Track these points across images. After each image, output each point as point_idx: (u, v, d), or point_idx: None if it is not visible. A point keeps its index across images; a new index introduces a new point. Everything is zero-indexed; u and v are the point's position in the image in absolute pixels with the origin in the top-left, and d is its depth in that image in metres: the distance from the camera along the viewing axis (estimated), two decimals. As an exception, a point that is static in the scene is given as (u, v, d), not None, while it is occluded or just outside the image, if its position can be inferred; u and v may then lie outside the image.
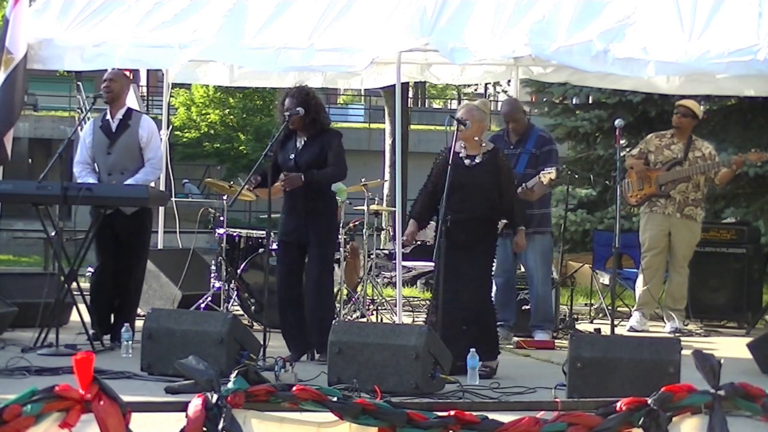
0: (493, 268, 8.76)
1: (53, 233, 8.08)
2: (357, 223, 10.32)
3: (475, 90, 38.32)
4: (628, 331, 9.69)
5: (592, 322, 10.37)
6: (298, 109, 7.80)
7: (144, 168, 8.26)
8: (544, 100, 15.20)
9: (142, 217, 8.26)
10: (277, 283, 8.02)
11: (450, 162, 7.44)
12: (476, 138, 7.60)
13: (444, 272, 7.27)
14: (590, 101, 14.39)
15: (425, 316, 7.76)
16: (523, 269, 9.32)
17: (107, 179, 8.18)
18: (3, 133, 9.28)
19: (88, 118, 8.68)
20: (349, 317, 9.46)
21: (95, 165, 8.31)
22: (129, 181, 8.14)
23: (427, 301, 10.40)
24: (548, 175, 8.48)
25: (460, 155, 7.59)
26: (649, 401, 3.84)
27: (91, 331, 7.95)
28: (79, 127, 8.51)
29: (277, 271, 8.07)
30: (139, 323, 7.77)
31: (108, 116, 8.30)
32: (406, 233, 7.87)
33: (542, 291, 9.01)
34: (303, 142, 7.91)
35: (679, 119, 9.86)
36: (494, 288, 8.83)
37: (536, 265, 9.00)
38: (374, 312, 9.99)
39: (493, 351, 7.48)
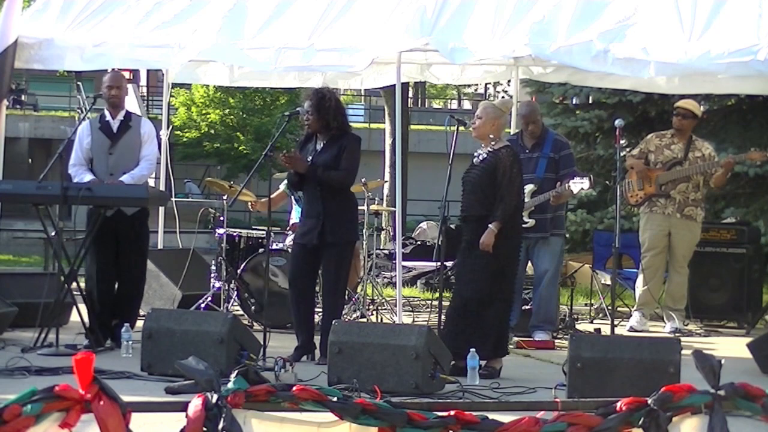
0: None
1: (53, 233, 8.08)
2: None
3: (475, 90, 38.35)
4: (628, 331, 9.69)
5: (592, 322, 10.37)
6: (297, 109, 7.84)
7: (139, 164, 8.24)
8: (544, 100, 15.19)
9: (142, 218, 8.25)
10: (289, 285, 8.03)
11: (450, 162, 7.44)
12: (491, 135, 7.56)
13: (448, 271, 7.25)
14: (590, 101, 14.37)
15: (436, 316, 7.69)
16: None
17: (108, 179, 8.16)
18: None
19: (88, 118, 8.66)
20: (349, 317, 9.46)
21: (94, 166, 8.26)
22: (125, 177, 8.12)
23: (428, 301, 10.41)
24: (580, 185, 8.51)
25: (474, 153, 7.60)
26: (649, 401, 3.84)
27: (91, 336, 7.92)
28: (78, 127, 8.50)
29: (290, 272, 8.08)
30: (139, 323, 7.77)
31: (108, 117, 8.29)
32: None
33: (547, 292, 9.01)
34: (322, 145, 7.91)
35: (680, 122, 9.86)
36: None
37: (548, 266, 9.00)
38: (374, 312, 9.99)
39: (495, 352, 7.44)
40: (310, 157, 7.88)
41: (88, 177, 8.15)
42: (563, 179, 8.83)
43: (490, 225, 7.29)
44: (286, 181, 9.81)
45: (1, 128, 9.55)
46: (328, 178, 7.77)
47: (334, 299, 7.86)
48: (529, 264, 9.23)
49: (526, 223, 8.76)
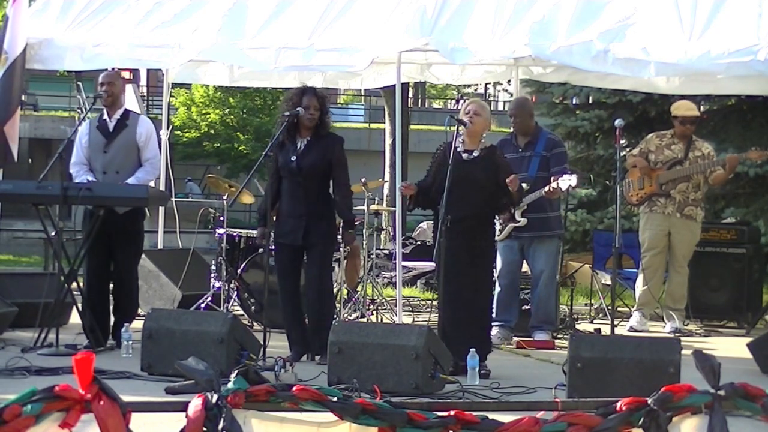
0: (498, 269, 8.80)
1: (53, 233, 8.07)
2: (357, 223, 10.32)
3: (475, 90, 38.34)
4: (628, 331, 9.69)
5: (592, 322, 10.37)
6: (298, 109, 7.81)
7: (143, 167, 8.24)
8: (544, 100, 15.20)
9: (135, 216, 8.23)
10: (279, 285, 8.03)
11: (450, 162, 7.43)
12: (483, 135, 7.59)
13: (444, 272, 7.26)
14: (590, 101, 14.38)
15: (437, 317, 7.68)
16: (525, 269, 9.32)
17: (102, 178, 8.15)
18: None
19: (88, 118, 8.67)
20: (349, 317, 9.46)
21: (90, 164, 8.27)
22: (130, 180, 8.12)
23: (428, 301, 10.41)
24: (568, 182, 8.51)
25: (458, 150, 7.59)
26: (649, 401, 3.84)
27: (92, 337, 7.92)
28: (79, 127, 8.50)
29: (277, 273, 8.06)
30: (139, 323, 7.76)
31: (105, 116, 8.28)
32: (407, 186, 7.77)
33: (545, 292, 9.00)
34: (304, 144, 7.90)
35: (688, 128, 9.81)
36: (498, 289, 8.85)
37: (544, 267, 9.00)
38: (374, 312, 9.99)
39: (490, 348, 7.52)
40: (294, 158, 7.85)
41: (89, 179, 8.14)
42: (554, 177, 8.80)
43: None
44: None
45: (16, 133, 9.55)
46: (350, 206, 8.15)
47: (321, 297, 7.84)
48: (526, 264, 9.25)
49: (518, 222, 8.78)
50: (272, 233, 7.96)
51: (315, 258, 7.85)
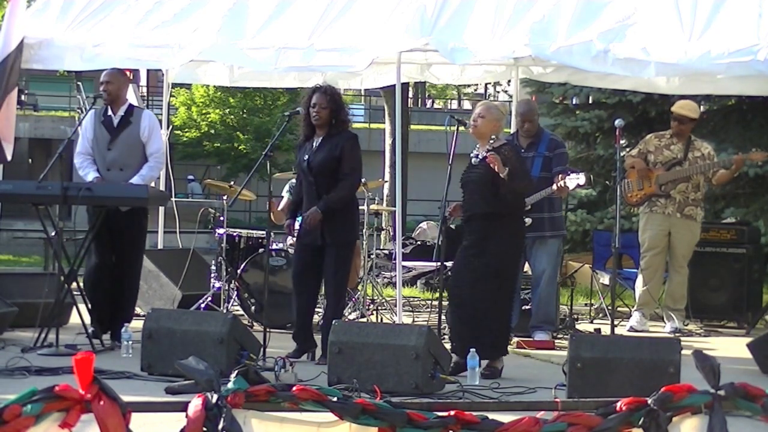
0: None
1: (53, 233, 8.08)
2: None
3: (475, 90, 38.38)
4: (628, 331, 9.70)
5: (592, 322, 10.37)
6: (297, 109, 7.82)
7: (148, 163, 8.25)
8: (544, 100, 15.21)
9: (138, 214, 8.24)
10: (293, 285, 8.03)
11: (450, 162, 7.43)
12: (492, 136, 7.56)
13: (452, 271, 7.25)
14: (590, 101, 14.39)
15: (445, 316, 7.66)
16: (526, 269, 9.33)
17: (106, 175, 8.17)
18: None
19: (94, 109, 8.61)
20: (349, 317, 9.46)
21: (94, 159, 8.28)
22: (135, 179, 8.13)
23: (428, 301, 10.42)
24: (576, 180, 8.51)
25: (471, 153, 7.59)
26: (649, 401, 3.83)
27: (90, 329, 7.93)
28: (79, 127, 8.49)
29: (293, 268, 8.07)
30: (139, 323, 7.77)
31: (110, 112, 8.28)
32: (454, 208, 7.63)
33: (546, 292, 9.00)
34: (318, 142, 7.89)
35: (678, 127, 9.84)
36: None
37: (545, 267, 8.99)
38: (374, 312, 9.99)
39: (496, 352, 7.44)
40: (307, 156, 7.86)
41: (92, 175, 8.15)
42: (556, 176, 8.79)
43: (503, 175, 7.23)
44: (289, 189, 9.78)
45: (11, 133, 9.53)
46: (340, 199, 7.79)
47: (334, 300, 7.86)
48: (527, 264, 9.24)
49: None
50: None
51: (330, 259, 7.82)
